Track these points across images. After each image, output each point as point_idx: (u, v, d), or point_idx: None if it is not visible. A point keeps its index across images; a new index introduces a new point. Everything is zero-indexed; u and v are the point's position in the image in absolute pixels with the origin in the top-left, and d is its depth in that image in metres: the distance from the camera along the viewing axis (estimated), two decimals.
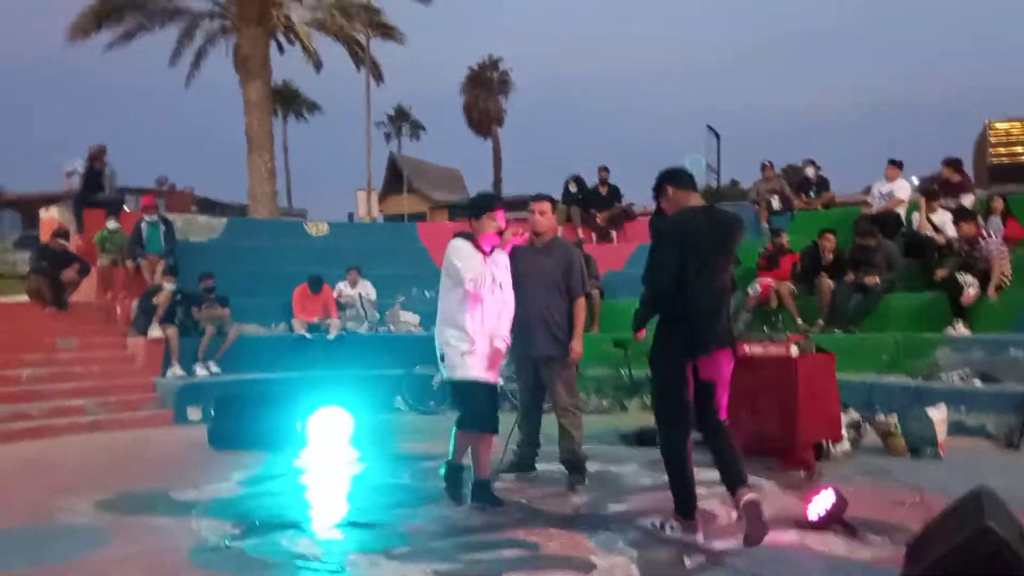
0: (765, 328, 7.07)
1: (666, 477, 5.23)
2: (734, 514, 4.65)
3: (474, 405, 4.78)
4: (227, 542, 4.21)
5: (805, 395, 5.86)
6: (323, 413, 7.24)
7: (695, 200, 4.36)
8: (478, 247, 4.87)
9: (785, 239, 10.67)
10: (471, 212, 4.97)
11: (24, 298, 10.99)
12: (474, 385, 4.75)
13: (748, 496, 4.08)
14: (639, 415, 8.64)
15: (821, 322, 9.58)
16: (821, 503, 4.34)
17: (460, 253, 4.85)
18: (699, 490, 5.27)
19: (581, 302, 5.48)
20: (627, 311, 10.93)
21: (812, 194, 13.00)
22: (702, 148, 22.38)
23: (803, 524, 4.38)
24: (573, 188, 13.84)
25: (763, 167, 13.35)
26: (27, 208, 33.27)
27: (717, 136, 22.96)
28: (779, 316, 9.83)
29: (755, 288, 10.02)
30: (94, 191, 11.95)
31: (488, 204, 4.95)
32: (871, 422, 6.73)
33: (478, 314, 4.78)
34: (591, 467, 5.66)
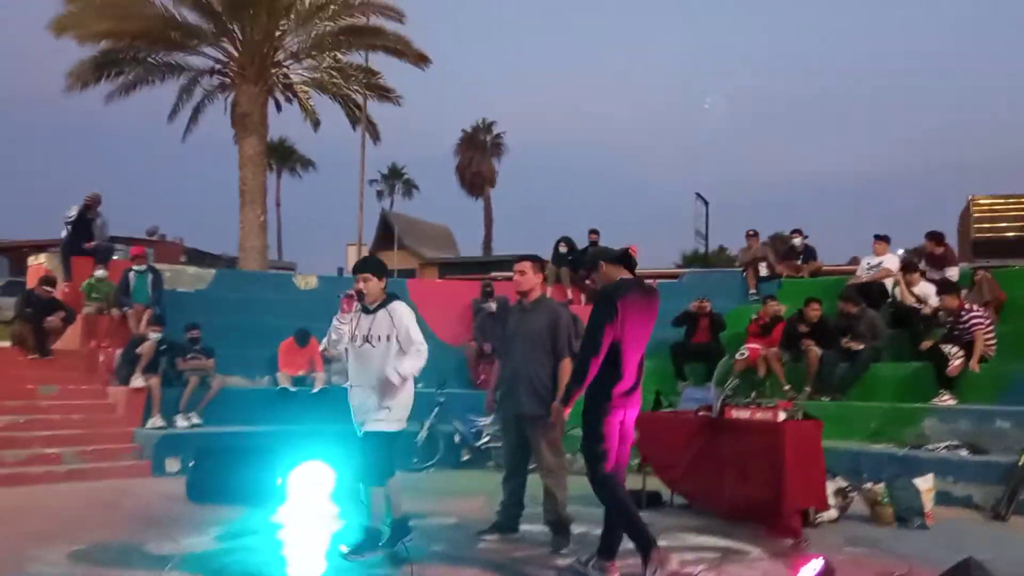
0: (752, 394, 7.06)
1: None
2: None
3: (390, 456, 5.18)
4: None
5: (792, 461, 5.83)
6: (305, 468, 7.12)
7: (624, 274, 4.97)
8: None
9: (777, 306, 10.74)
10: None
11: (7, 344, 10.88)
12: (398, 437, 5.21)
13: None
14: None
15: (808, 389, 9.58)
16: (809, 571, 4.28)
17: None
18: (686, 555, 5.24)
19: (567, 362, 5.48)
20: None
21: (799, 262, 13.15)
22: (691, 214, 22.71)
23: None
24: (563, 249, 13.96)
25: (747, 235, 13.53)
26: (15, 254, 33.16)
27: (706, 203, 23.35)
28: (766, 383, 9.83)
29: (743, 353, 10.05)
30: (84, 239, 11.93)
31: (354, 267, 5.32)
32: (858, 490, 6.69)
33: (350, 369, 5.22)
34: (576, 529, 5.56)
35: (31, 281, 11.83)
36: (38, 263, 12.63)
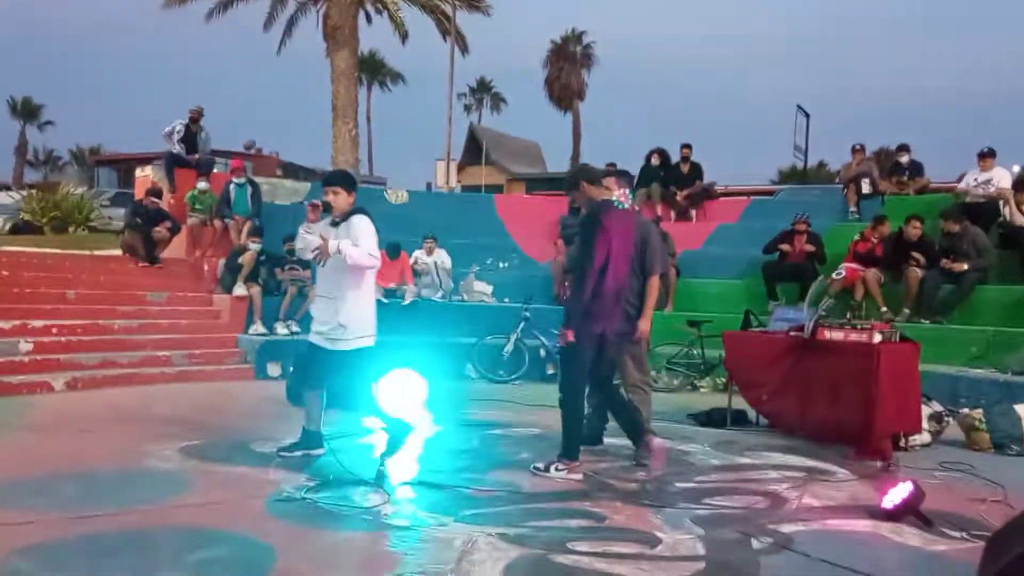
0: (847, 315, 6.86)
1: (735, 457, 5.23)
2: (805, 498, 4.59)
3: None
4: (302, 494, 4.37)
5: (886, 384, 5.69)
6: (396, 375, 7.38)
7: (605, 193, 5.23)
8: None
9: (887, 227, 10.23)
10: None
11: (118, 252, 11.53)
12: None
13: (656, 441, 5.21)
14: (710, 396, 8.55)
15: (907, 311, 9.26)
16: (897, 493, 4.22)
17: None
18: (771, 474, 5.24)
19: (654, 280, 5.43)
20: (704, 291, 10.91)
21: (904, 179, 12.48)
22: (790, 127, 21.71)
23: (877, 513, 4.27)
24: (656, 161, 13.58)
25: (854, 149, 12.89)
26: (123, 167, 34.73)
27: (807, 115, 22.25)
28: (863, 304, 9.54)
29: (840, 273, 9.73)
30: (189, 151, 12.39)
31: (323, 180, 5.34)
32: (955, 415, 6.50)
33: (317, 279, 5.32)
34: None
35: (138, 192, 12.39)
36: (144, 175, 13.19)
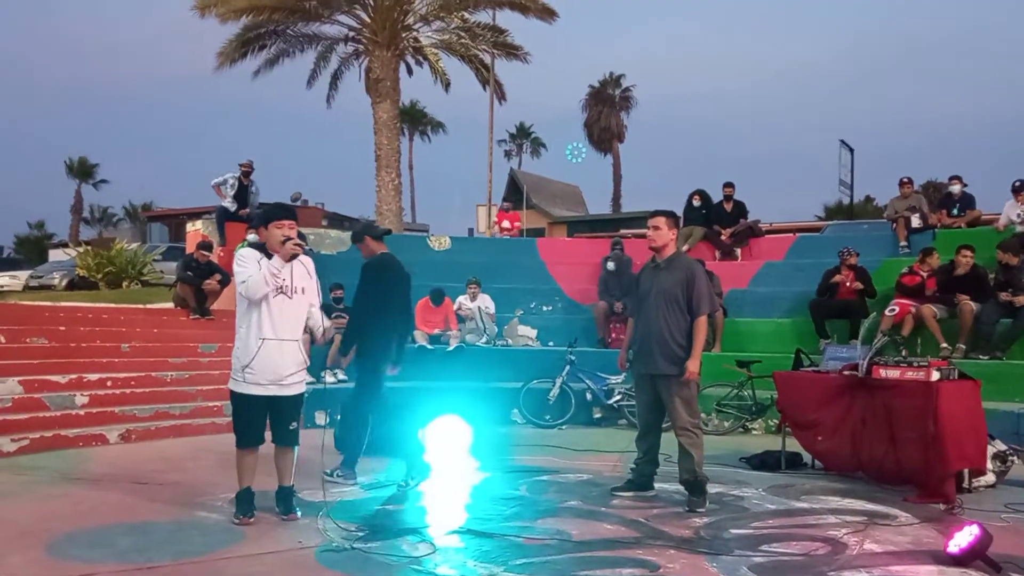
0: (903, 352, 6.70)
1: (792, 502, 5.11)
2: (866, 544, 4.44)
3: (238, 419, 5.00)
4: (352, 544, 4.36)
5: (947, 423, 5.52)
6: (442, 422, 7.37)
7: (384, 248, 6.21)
8: (267, 255, 4.84)
9: (936, 259, 10.02)
10: (261, 222, 4.99)
11: (170, 305, 11.80)
12: (240, 399, 4.89)
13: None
14: (762, 438, 8.37)
15: (962, 346, 8.99)
16: (963, 537, 4.06)
17: (241, 260, 4.86)
18: (829, 518, 5.09)
19: (702, 321, 5.38)
20: (751, 330, 10.75)
21: (955, 212, 12.23)
22: (835, 163, 21.52)
23: (942, 558, 4.11)
24: (697, 202, 13.54)
25: (901, 183, 12.69)
26: (174, 222, 35.75)
27: (851, 150, 22.05)
28: (917, 340, 9.30)
29: (892, 309, 9.52)
30: (240, 206, 12.75)
31: (272, 215, 4.90)
32: (1019, 454, 6.25)
33: (256, 321, 4.81)
34: (712, 489, 5.52)
35: (190, 246, 12.72)
36: (195, 229, 13.55)
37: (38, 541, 4.31)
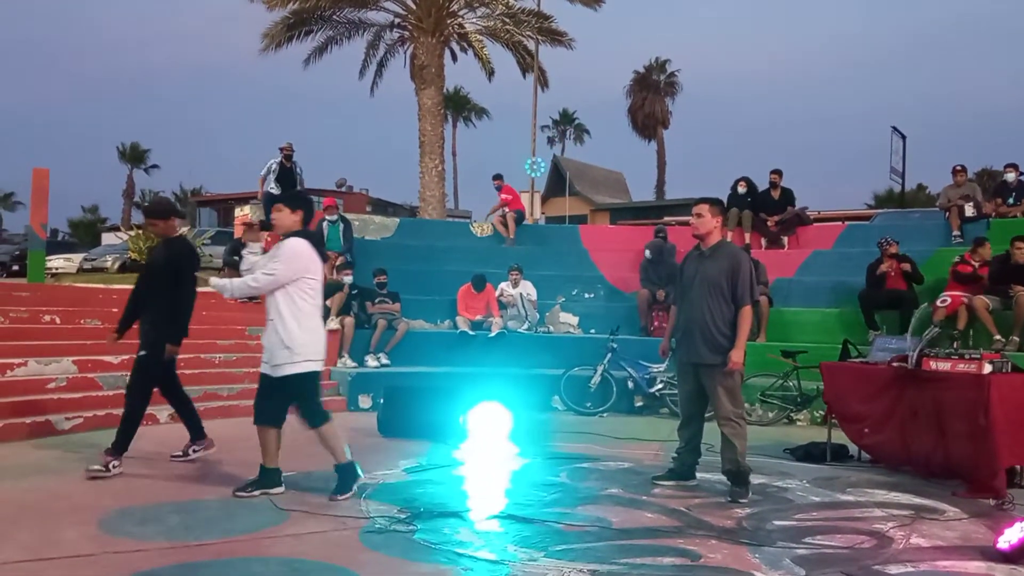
0: (954, 344, 6.53)
1: (837, 494, 5.04)
2: (913, 538, 4.36)
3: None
4: (394, 526, 4.41)
5: (999, 417, 5.38)
6: (483, 408, 7.42)
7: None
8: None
9: (988, 249, 9.75)
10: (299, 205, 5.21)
11: None
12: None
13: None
14: (807, 429, 8.26)
15: (1016, 338, 8.75)
16: (1013, 533, 3.96)
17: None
18: (875, 512, 5.00)
19: (747, 310, 5.31)
20: (798, 320, 10.60)
21: (1011, 201, 11.87)
22: (886, 149, 21.03)
23: (991, 554, 4.01)
24: (742, 189, 13.33)
25: (955, 171, 12.34)
26: (222, 207, 36.39)
27: (903, 137, 21.51)
28: (969, 332, 9.07)
29: (944, 300, 9.29)
30: (285, 189, 12.90)
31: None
32: None
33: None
34: (755, 480, 5.46)
35: (237, 231, 12.94)
36: (243, 214, 13.78)
37: (91, 517, 4.44)
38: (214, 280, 5.06)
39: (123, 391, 8.04)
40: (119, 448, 5.57)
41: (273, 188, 12.92)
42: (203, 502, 4.89)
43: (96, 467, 5.42)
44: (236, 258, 11.31)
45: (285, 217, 4.97)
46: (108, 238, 33.01)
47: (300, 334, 4.85)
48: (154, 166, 61.23)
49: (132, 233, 20.35)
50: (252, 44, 19.79)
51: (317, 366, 5.00)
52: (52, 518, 4.39)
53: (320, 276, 5.05)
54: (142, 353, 5.81)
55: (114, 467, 5.47)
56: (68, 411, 7.23)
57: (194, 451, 6.16)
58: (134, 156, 59.71)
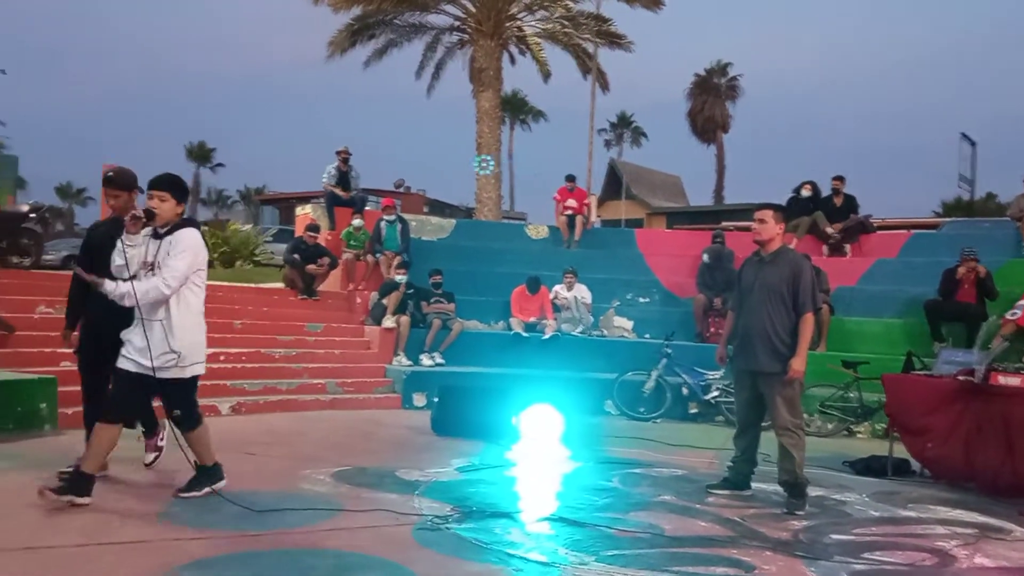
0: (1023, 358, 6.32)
1: (898, 510, 4.92)
2: (976, 558, 4.23)
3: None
4: (446, 524, 4.45)
5: None
6: (536, 410, 7.43)
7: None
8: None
9: None
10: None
11: (280, 285, 12.30)
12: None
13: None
14: (868, 442, 8.07)
15: None
16: None
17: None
18: (937, 529, 4.86)
19: (809, 317, 5.21)
20: (860, 330, 10.36)
21: None
22: (954, 157, 20.40)
23: None
24: (807, 193, 13.01)
25: None
26: (284, 205, 37.13)
27: (972, 144, 20.83)
28: None
29: (1015, 313, 8.96)
30: (344, 190, 13.16)
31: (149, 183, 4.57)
32: None
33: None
34: (812, 492, 5.36)
35: (298, 229, 13.20)
36: (304, 213, 14.05)
37: (152, 504, 4.58)
38: (110, 285, 4.38)
39: None
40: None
41: (335, 189, 13.17)
42: (261, 493, 4.99)
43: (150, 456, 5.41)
44: (295, 256, 11.61)
45: (169, 208, 4.46)
46: None
47: (190, 335, 4.53)
48: (219, 164, 62.92)
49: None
50: (313, 46, 20.20)
51: (203, 368, 4.72)
52: (115, 504, 4.54)
53: (206, 267, 4.70)
54: None
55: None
56: None
57: (160, 442, 5.47)
58: (200, 155, 61.43)
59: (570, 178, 14.17)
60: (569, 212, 13.81)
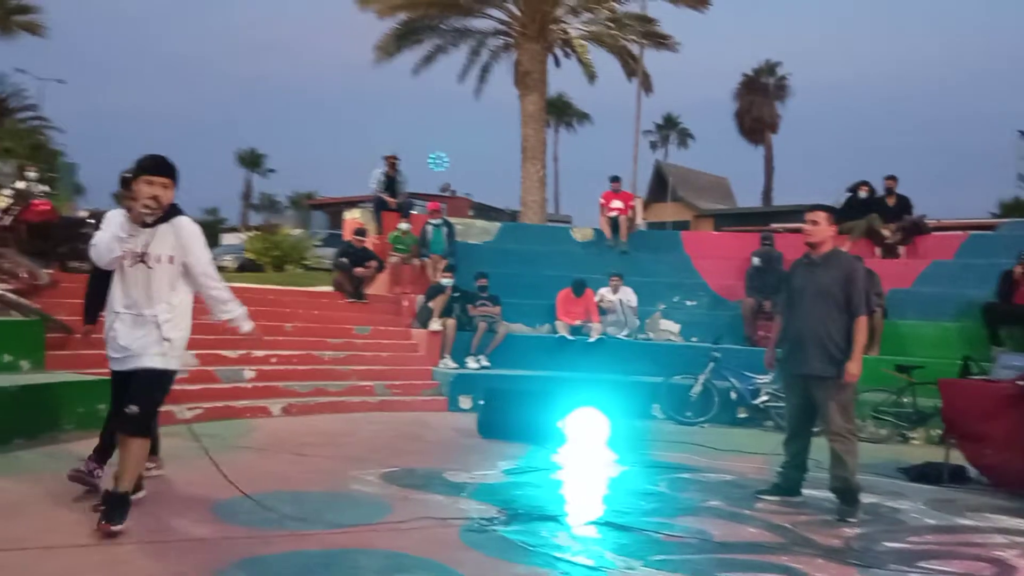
0: None
1: (954, 518, 4.81)
2: None
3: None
4: (493, 526, 4.47)
5: None
6: (581, 413, 7.42)
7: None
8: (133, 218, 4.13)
9: None
10: (131, 175, 4.21)
11: (329, 289, 12.48)
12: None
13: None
14: (923, 448, 7.87)
15: None
16: None
17: (105, 223, 4.20)
18: (996, 538, 4.73)
19: (863, 320, 5.11)
20: (914, 333, 10.13)
21: None
22: (1012, 155, 19.80)
23: None
24: (864, 194, 12.71)
25: None
26: (333, 210, 37.66)
27: None
28: None
29: None
30: (390, 195, 13.32)
31: (143, 168, 4.13)
32: None
33: (115, 291, 4.17)
34: (865, 499, 5.25)
35: (346, 233, 13.39)
36: (352, 217, 14.25)
37: (206, 502, 4.68)
38: (238, 315, 4.50)
39: (239, 385, 8.48)
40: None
41: (383, 195, 13.35)
42: (311, 493, 5.07)
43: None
44: (344, 260, 11.77)
45: (170, 196, 4.18)
46: (227, 238, 34.73)
47: (184, 328, 4.30)
48: (270, 170, 64.03)
49: (249, 234, 21.38)
50: (359, 53, 20.50)
51: (180, 366, 4.40)
52: (170, 502, 4.66)
53: None
54: None
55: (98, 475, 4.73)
56: (189, 402, 7.64)
57: (96, 475, 4.77)
58: (252, 161, 62.62)
59: (615, 179, 14.09)
60: (614, 214, 13.69)
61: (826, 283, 5.15)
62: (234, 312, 4.50)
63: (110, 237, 4.09)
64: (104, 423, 4.91)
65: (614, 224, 13.62)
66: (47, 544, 3.78)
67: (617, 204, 13.75)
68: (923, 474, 6.42)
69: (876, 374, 8.61)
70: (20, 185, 10.08)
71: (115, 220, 4.17)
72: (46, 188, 11.29)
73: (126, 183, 4.55)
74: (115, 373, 4.29)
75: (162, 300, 4.17)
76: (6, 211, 8.75)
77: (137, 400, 4.08)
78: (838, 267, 5.20)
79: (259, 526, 4.28)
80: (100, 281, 4.64)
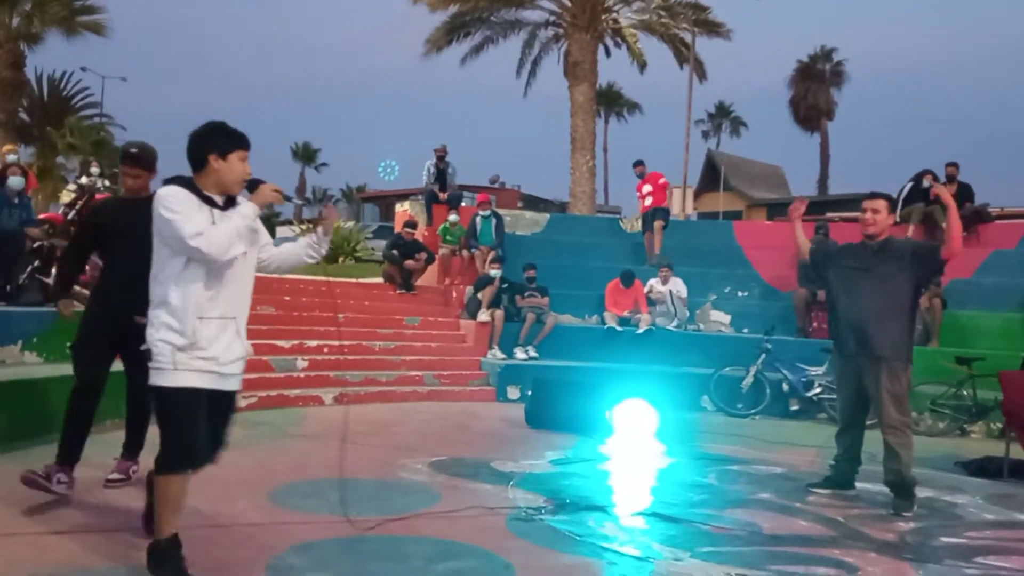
0: None
1: (1014, 514, 4.69)
2: None
3: (176, 427, 3.22)
4: (540, 515, 4.50)
5: None
6: (629, 404, 7.39)
7: None
8: (206, 198, 3.24)
9: None
10: (208, 149, 3.25)
11: (380, 280, 12.65)
12: (178, 394, 3.17)
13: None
14: (982, 442, 7.66)
15: None
16: None
17: (175, 202, 3.14)
18: (1005, 532, 4.59)
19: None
20: (975, 324, 9.85)
21: None
22: None
23: None
24: (928, 182, 12.32)
25: None
26: (384, 203, 38.08)
27: None
28: None
29: None
30: (441, 188, 13.44)
31: (229, 142, 3.29)
32: None
33: (200, 290, 3.20)
34: (920, 493, 5.13)
35: (397, 226, 13.54)
36: (403, 209, 14.40)
37: (261, 488, 4.80)
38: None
39: (293, 374, 8.65)
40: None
41: (433, 187, 13.47)
42: (362, 481, 5.16)
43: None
44: (394, 252, 11.91)
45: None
46: (282, 231, 35.33)
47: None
48: (323, 164, 64.91)
49: (303, 227, 21.74)
50: (413, 45, 20.65)
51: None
52: (227, 488, 4.78)
53: None
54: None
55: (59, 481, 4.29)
56: (245, 391, 7.79)
57: (133, 471, 4.70)
58: (306, 155, 63.57)
59: (638, 163, 13.20)
60: (647, 205, 12.84)
61: (885, 267, 5.01)
62: (312, 248, 3.88)
63: (231, 226, 3.20)
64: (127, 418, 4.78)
65: (646, 221, 12.87)
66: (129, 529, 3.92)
67: (647, 189, 13.00)
68: (982, 468, 6.26)
69: (935, 366, 8.39)
70: (84, 180, 10.41)
71: (191, 201, 3.18)
72: (109, 183, 11.62)
73: (142, 160, 4.37)
74: (196, 392, 3.22)
75: (246, 301, 3.49)
76: (71, 205, 9.04)
77: (227, 432, 3.48)
78: (894, 248, 5.08)
79: (311, 511, 4.38)
80: (79, 252, 4.73)
